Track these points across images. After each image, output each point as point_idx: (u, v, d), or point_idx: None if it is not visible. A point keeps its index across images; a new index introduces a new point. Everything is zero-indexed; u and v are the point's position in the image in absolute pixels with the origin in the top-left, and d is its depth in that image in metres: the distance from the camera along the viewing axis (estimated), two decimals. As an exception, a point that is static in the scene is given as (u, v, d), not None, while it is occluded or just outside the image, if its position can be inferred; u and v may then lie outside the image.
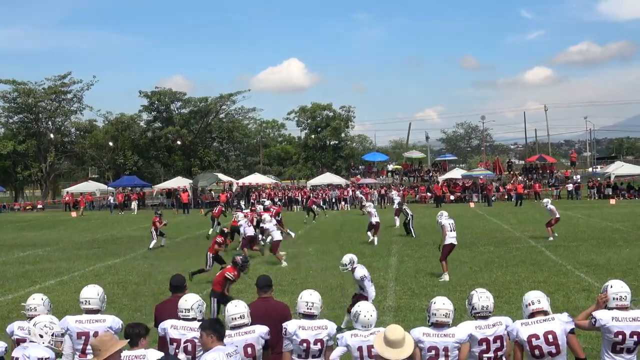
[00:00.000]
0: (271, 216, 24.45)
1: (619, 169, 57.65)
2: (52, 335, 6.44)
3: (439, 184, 57.38)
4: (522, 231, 28.15)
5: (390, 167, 72.11)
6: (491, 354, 6.66)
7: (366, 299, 10.42)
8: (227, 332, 6.71)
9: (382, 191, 56.95)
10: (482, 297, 6.84)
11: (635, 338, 6.53)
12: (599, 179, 57.79)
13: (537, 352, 6.44)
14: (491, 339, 6.66)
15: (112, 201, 59.97)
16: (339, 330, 7.85)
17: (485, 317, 6.77)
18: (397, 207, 33.62)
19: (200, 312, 7.11)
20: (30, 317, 7.23)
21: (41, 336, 6.39)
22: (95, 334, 7.08)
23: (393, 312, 13.05)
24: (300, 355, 6.84)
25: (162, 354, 6.31)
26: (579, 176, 60.28)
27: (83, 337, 7.11)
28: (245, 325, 6.80)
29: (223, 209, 33.18)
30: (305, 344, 6.78)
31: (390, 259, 20.97)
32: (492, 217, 37.28)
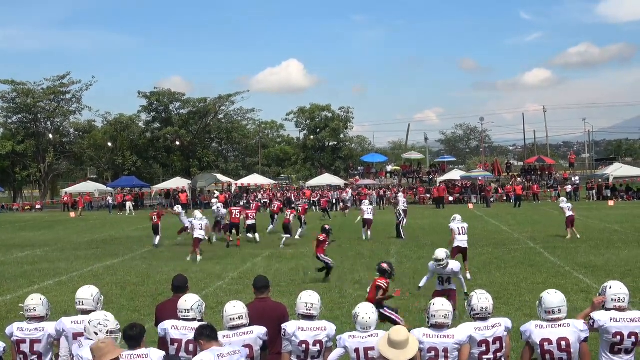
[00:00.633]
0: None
1: (618, 170, 57.66)
2: (107, 332, 6.38)
3: (438, 186, 57.31)
4: (521, 232, 28.15)
5: (389, 168, 72.13)
6: (491, 355, 6.66)
7: (451, 293, 10.80)
8: (226, 332, 6.72)
9: (381, 192, 56.96)
10: (481, 299, 6.84)
11: (633, 339, 6.54)
12: (600, 180, 57.79)
13: (548, 356, 6.42)
14: (490, 340, 6.66)
15: (110, 202, 59.94)
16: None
17: (484, 319, 6.77)
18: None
19: (200, 312, 7.09)
20: (29, 318, 7.23)
21: (96, 334, 6.34)
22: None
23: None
24: (299, 356, 6.83)
25: (164, 353, 6.30)
26: (577, 178, 60.30)
27: (79, 338, 7.08)
28: (244, 325, 6.79)
29: (282, 205, 36.88)
30: (304, 345, 6.77)
31: (389, 260, 20.95)
32: (491, 218, 37.28)
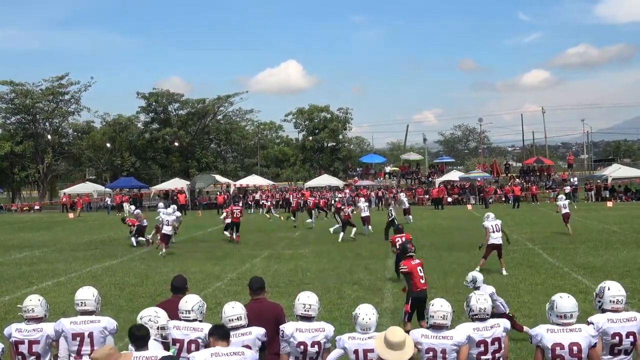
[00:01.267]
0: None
1: (616, 171, 57.69)
2: (158, 328, 6.40)
3: (437, 187, 57.27)
4: (520, 233, 28.13)
5: (388, 169, 72.13)
6: (489, 356, 6.66)
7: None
8: (224, 333, 6.73)
9: (380, 193, 56.95)
10: (480, 299, 6.86)
11: (631, 338, 6.53)
12: (598, 181, 57.81)
13: None
14: (489, 340, 6.67)
15: (109, 202, 59.92)
16: None
17: (483, 319, 6.78)
18: (406, 207, 34.16)
19: (201, 313, 7.11)
20: (28, 319, 7.22)
21: None
22: (90, 335, 7.07)
23: (390, 314, 13.05)
24: (298, 357, 6.82)
25: (169, 353, 6.31)
26: (576, 178, 60.36)
27: (78, 338, 7.07)
28: (243, 327, 6.79)
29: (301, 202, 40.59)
30: (302, 347, 6.76)
31: (388, 261, 20.94)
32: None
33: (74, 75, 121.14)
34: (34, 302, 7.28)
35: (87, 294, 7.36)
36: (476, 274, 10.62)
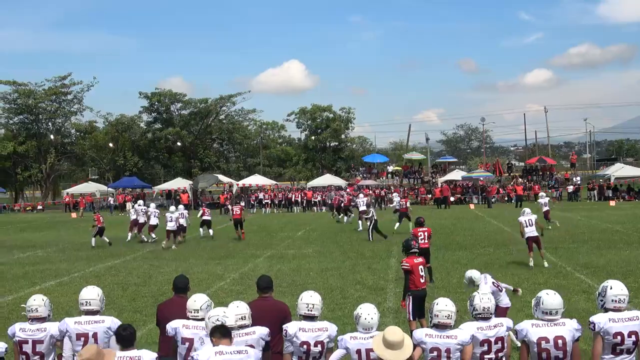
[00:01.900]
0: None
1: (619, 170, 57.65)
2: None
3: (441, 187, 57.15)
4: (522, 233, 28.09)
5: (390, 168, 72.07)
6: (492, 355, 6.68)
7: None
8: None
9: (382, 192, 56.96)
10: (483, 299, 6.86)
11: (633, 337, 6.53)
12: (600, 180, 57.77)
13: (544, 355, 6.44)
14: (492, 340, 6.68)
15: (112, 202, 60.00)
16: None
17: (486, 319, 6.79)
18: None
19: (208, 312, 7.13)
20: (31, 319, 7.24)
21: None
22: (95, 335, 7.09)
23: (393, 314, 13.06)
24: (301, 357, 6.82)
25: (155, 355, 6.31)
26: (579, 178, 60.28)
27: (82, 339, 7.09)
28: (246, 326, 6.79)
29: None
30: (305, 346, 6.76)
31: (390, 260, 20.96)
32: (492, 218, 37.27)
33: (76, 75, 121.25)
34: (38, 302, 7.29)
35: (92, 294, 7.37)
36: (472, 272, 10.67)
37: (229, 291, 16.06)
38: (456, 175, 63.44)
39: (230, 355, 6.14)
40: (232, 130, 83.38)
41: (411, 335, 6.67)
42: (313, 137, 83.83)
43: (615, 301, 6.65)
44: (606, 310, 6.68)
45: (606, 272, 17.25)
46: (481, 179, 58.37)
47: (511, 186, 55.88)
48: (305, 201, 55.94)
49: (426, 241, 16.98)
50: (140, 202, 33.19)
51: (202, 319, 6.95)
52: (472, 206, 50.77)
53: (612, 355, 6.61)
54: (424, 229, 17.23)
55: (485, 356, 6.67)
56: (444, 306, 6.66)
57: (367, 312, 6.64)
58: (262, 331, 6.85)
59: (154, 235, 28.90)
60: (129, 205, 53.82)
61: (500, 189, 57.63)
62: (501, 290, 10.66)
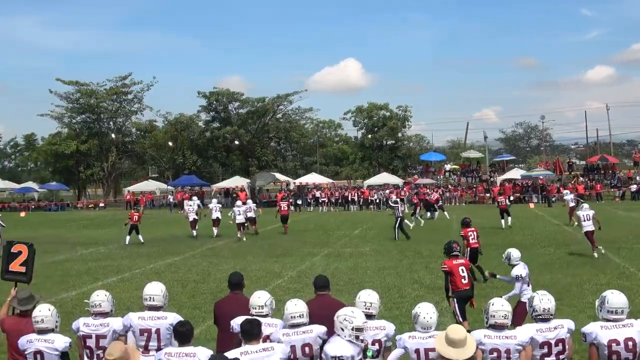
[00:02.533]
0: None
1: (686, 169, 55.99)
2: (353, 328, 6.36)
3: (498, 186, 56.27)
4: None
5: (448, 167, 71.45)
6: (553, 358, 6.55)
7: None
8: (285, 330, 6.77)
9: (441, 191, 56.45)
10: (543, 299, 6.73)
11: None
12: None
13: (614, 357, 6.33)
14: (553, 342, 6.55)
15: (171, 200, 60.86)
16: None
17: (546, 320, 6.66)
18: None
19: (272, 308, 7.24)
20: (95, 314, 7.39)
21: (342, 329, 6.42)
22: (157, 331, 7.18)
23: (451, 314, 12.88)
24: (358, 355, 6.81)
25: (211, 352, 6.37)
26: (642, 177, 58.72)
27: (145, 334, 7.20)
28: (304, 324, 6.82)
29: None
30: (363, 344, 6.75)
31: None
32: (553, 218, 36.62)
33: (136, 75, 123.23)
34: (101, 297, 7.43)
35: (155, 289, 7.49)
36: (512, 250, 11.49)
37: (287, 289, 16.13)
38: (515, 173, 62.46)
39: (256, 353, 6.22)
40: (289, 129, 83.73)
41: None
42: (370, 136, 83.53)
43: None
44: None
45: (672, 273, 16.80)
46: (541, 177, 57.41)
47: (572, 185, 54.78)
48: (362, 200, 55.89)
49: (476, 240, 16.95)
50: (195, 198, 34.53)
51: (267, 315, 7.02)
52: (531, 205, 49.96)
53: None
54: (472, 228, 17.14)
55: (546, 358, 6.55)
56: (500, 306, 6.57)
57: (426, 311, 6.60)
58: (320, 329, 6.85)
59: (215, 231, 30.38)
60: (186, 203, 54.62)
61: (561, 188, 56.56)
62: (528, 285, 11.04)
